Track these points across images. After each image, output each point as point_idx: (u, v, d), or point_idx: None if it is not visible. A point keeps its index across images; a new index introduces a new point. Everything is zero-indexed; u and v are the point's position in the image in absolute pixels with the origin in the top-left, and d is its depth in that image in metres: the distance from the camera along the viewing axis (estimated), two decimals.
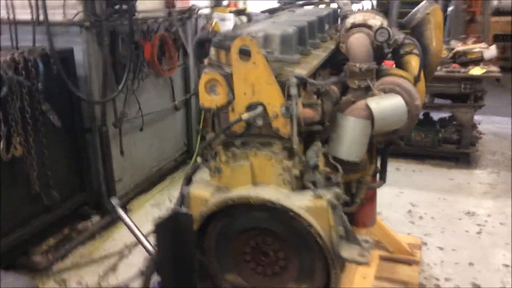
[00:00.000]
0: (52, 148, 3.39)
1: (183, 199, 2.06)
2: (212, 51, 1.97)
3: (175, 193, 4.63)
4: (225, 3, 5.99)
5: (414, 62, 2.30)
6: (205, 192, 2.00)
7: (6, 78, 2.86)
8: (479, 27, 7.65)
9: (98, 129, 3.81)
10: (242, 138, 1.97)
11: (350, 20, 2.28)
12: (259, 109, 1.85)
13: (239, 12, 6.04)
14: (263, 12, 3.17)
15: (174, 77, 5.00)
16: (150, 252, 2.11)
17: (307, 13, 2.66)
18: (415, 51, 2.30)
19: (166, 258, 1.87)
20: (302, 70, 1.90)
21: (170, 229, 1.83)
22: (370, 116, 1.96)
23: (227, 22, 5.81)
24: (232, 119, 1.93)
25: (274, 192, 1.90)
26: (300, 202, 1.84)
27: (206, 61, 1.98)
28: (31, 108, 3.12)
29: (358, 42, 2.11)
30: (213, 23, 5.65)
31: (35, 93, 3.16)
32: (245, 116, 1.86)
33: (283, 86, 1.83)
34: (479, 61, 5.21)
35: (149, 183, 4.76)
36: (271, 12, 3.11)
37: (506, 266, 3.33)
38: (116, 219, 4.02)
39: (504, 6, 9.25)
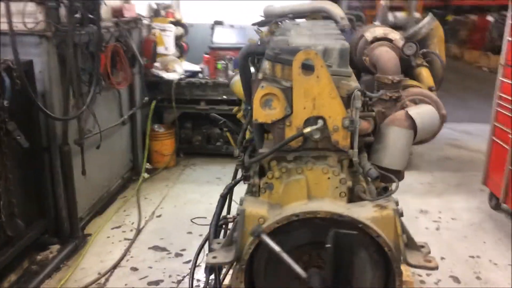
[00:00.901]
0: (14, 172, 3.01)
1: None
2: (267, 65, 1.91)
3: (134, 214, 4.37)
4: (162, 13, 5.81)
5: (425, 73, 2.45)
6: (261, 210, 1.92)
7: None
8: None
9: (59, 148, 3.45)
10: (295, 152, 1.94)
11: (369, 34, 2.36)
12: (320, 123, 1.84)
13: (177, 23, 5.93)
14: (253, 24, 3.16)
15: (120, 89, 4.72)
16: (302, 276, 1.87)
17: (325, 27, 2.67)
18: (425, 63, 2.46)
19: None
20: (354, 83, 1.93)
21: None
22: (412, 125, 2.05)
23: (167, 33, 5.65)
24: (288, 134, 1.89)
25: (335, 205, 1.90)
26: (365, 214, 1.86)
27: (260, 75, 1.92)
28: None
29: (388, 55, 2.20)
30: (156, 34, 5.46)
31: (0, 111, 2.78)
32: (307, 130, 1.84)
33: (342, 99, 1.84)
34: None
35: (102, 204, 4.42)
36: (261, 25, 3.11)
37: (472, 257, 3.67)
38: (79, 246, 3.68)
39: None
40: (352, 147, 1.89)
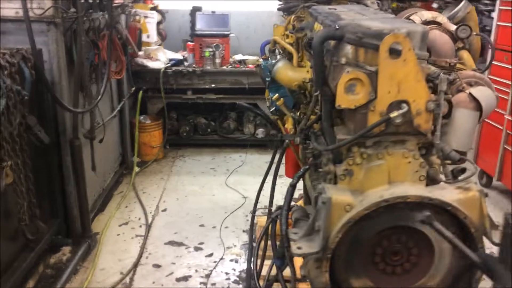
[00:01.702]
0: (33, 170, 2.79)
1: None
2: (350, 49, 1.88)
3: (137, 209, 4.20)
4: None
5: (467, 56, 2.51)
6: (346, 197, 1.90)
7: (5, 88, 2.26)
8: None
9: (70, 142, 3.23)
10: (375, 138, 1.93)
11: (417, 18, 2.38)
12: (405, 107, 1.84)
13: (155, 10, 5.73)
14: (278, 9, 3.09)
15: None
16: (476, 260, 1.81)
17: (371, 11, 2.65)
18: (466, 46, 2.52)
19: None
20: (431, 66, 1.95)
21: None
22: (478, 107, 2.09)
23: (150, 20, 5.43)
24: (372, 119, 1.87)
25: (419, 189, 1.91)
26: (451, 196, 1.89)
27: (343, 59, 1.88)
28: (19, 124, 2.52)
29: (443, 39, 2.23)
30: (141, 20, 5.23)
31: (20, 105, 2.55)
32: (395, 115, 1.83)
33: None
34: None
35: (102, 201, 4.21)
36: (285, 10, 3.05)
37: None
38: (91, 246, 3.48)
39: None
40: (434, 130, 1.91)
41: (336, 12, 2.46)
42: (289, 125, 2.62)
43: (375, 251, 2.04)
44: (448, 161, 2.01)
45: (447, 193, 1.90)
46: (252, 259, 2.52)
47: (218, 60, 5.52)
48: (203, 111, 6.01)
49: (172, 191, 4.60)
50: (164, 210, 4.22)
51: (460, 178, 1.94)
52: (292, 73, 2.51)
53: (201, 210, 4.14)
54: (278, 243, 2.21)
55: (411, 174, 1.94)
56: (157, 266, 3.34)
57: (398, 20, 2.06)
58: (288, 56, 2.84)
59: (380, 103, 1.85)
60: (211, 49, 5.52)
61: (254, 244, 3.38)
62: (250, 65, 5.54)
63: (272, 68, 2.51)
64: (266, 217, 3.56)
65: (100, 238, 3.64)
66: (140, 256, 3.42)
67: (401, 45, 1.75)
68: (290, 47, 2.73)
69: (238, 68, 5.56)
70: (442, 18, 2.37)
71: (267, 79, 2.89)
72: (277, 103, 2.64)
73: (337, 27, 1.89)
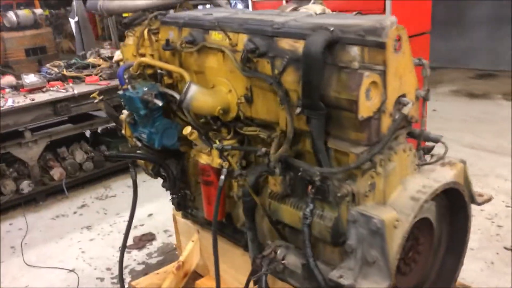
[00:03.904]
0: None
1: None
2: (357, 51, 1.61)
3: None
4: None
5: None
6: (391, 213, 1.69)
7: None
8: None
9: None
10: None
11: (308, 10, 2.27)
12: (409, 100, 1.76)
13: None
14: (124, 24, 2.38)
15: None
16: None
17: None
18: None
19: None
20: None
21: None
22: None
23: None
24: (385, 121, 1.72)
25: (426, 179, 1.89)
26: (450, 174, 1.94)
27: (355, 64, 1.60)
28: None
29: None
30: None
31: None
32: (407, 111, 1.73)
33: None
34: None
35: None
36: (129, 25, 2.38)
37: None
38: None
39: None
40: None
41: (232, 15, 2.11)
42: (215, 160, 2.14)
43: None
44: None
45: (446, 173, 1.96)
46: None
47: None
48: None
49: None
50: None
51: (440, 156, 2.02)
52: (212, 98, 2.04)
53: None
54: None
55: (410, 167, 1.91)
56: None
57: (353, 16, 1.92)
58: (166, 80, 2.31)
59: (389, 103, 1.73)
60: None
61: None
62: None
63: (183, 97, 1.96)
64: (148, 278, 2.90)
65: None
66: None
67: (402, 37, 1.65)
68: (178, 68, 2.21)
69: None
70: (329, 11, 2.34)
71: (142, 112, 2.27)
72: (192, 137, 2.11)
73: (331, 29, 1.63)
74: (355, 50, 1.62)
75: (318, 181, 1.73)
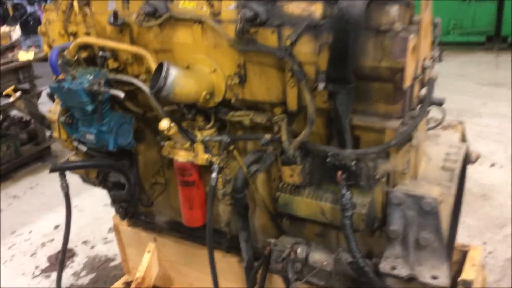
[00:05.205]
0: None
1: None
2: (396, 9, 1.37)
3: None
4: None
5: None
6: (436, 188, 1.55)
7: None
8: None
9: None
10: None
11: None
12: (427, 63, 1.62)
13: None
14: None
15: None
16: None
17: None
18: None
19: None
20: None
21: None
22: None
23: None
24: (416, 89, 1.56)
25: (440, 147, 1.79)
26: (456, 137, 1.87)
27: (398, 25, 1.36)
28: None
29: None
30: None
31: None
32: (435, 74, 1.59)
33: None
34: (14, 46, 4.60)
35: None
36: None
37: None
38: None
39: None
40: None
41: None
42: (200, 156, 1.77)
43: None
44: None
45: (452, 137, 1.90)
46: None
47: None
48: None
49: None
50: None
51: (438, 122, 1.95)
52: (196, 81, 1.65)
53: None
54: None
55: (424, 133, 1.80)
56: None
57: None
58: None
59: (419, 67, 1.57)
60: None
61: None
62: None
63: (163, 83, 1.54)
64: None
65: None
66: None
67: None
68: (137, 48, 1.75)
69: None
70: None
71: (88, 107, 1.79)
72: (171, 132, 1.70)
73: None
74: (395, 10, 1.39)
75: (354, 165, 1.51)
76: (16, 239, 3.54)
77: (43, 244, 3.44)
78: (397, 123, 1.51)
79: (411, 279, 1.49)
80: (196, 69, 1.70)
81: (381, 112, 1.53)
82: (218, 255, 2.15)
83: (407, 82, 1.42)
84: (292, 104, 1.61)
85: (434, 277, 1.46)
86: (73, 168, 1.91)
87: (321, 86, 1.48)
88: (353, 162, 1.51)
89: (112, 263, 3.18)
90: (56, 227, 3.63)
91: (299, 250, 1.71)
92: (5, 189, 4.32)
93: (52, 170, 1.75)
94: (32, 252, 3.36)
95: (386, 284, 1.55)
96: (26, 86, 4.29)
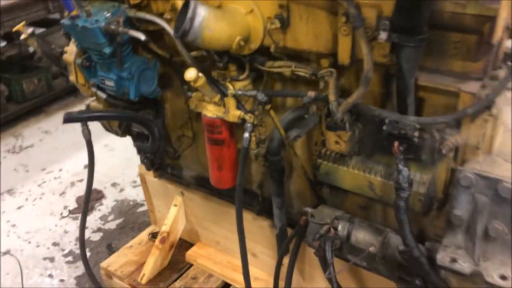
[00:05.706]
0: None
1: None
2: None
3: None
4: None
5: None
6: None
7: None
8: None
9: None
10: None
11: None
12: None
13: None
14: None
15: None
16: None
17: None
18: None
19: None
20: None
21: None
22: None
23: None
24: (504, 44, 1.23)
25: None
26: None
27: None
28: None
29: None
30: None
31: None
32: None
33: None
34: None
35: None
36: None
37: None
38: None
39: None
40: None
41: None
42: (233, 113, 1.53)
43: None
44: None
45: None
46: None
47: None
48: None
49: None
50: None
51: None
52: (229, 24, 1.37)
53: None
54: None
55: (505, 99, 1.47)
56: None
57: None
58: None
59: (509, 17, 1.22)
60: None
61: None
62: None
63: (189, 26, 1.27)
64: None
65: None
66: None
67: None
68: None
69: None
70: None
71: (106, 50, 1.55)
72: (199, 83, 1.45)
73: None
74: None
75: (417, 136, 1.23)
76: (46, 176, 3.48)
77: (72, 184, 3.37)
78: (477, 85, 1.21)
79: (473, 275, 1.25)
80: (229, 9, 1.41)
81: (456, 71, 1.24)
82: (248, 217, 1.97)
83: (498, 35, 1.10)
84: (344, 57, 1.32)
85: (503, 277, 1.21)
86: (88, 119, 1.71)
87: (383, 35, 1.18)
88: (416, 132, 1.23)
89: (141, 209, 3.08)
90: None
91: (340, 227, 1.49)
92: (38, 123, 4.26)
93: (66, 121, 1.55)
94: (62, 191, 3.30)
95: (440, 275, 1.32)
96: (56, 16, 4.10)
